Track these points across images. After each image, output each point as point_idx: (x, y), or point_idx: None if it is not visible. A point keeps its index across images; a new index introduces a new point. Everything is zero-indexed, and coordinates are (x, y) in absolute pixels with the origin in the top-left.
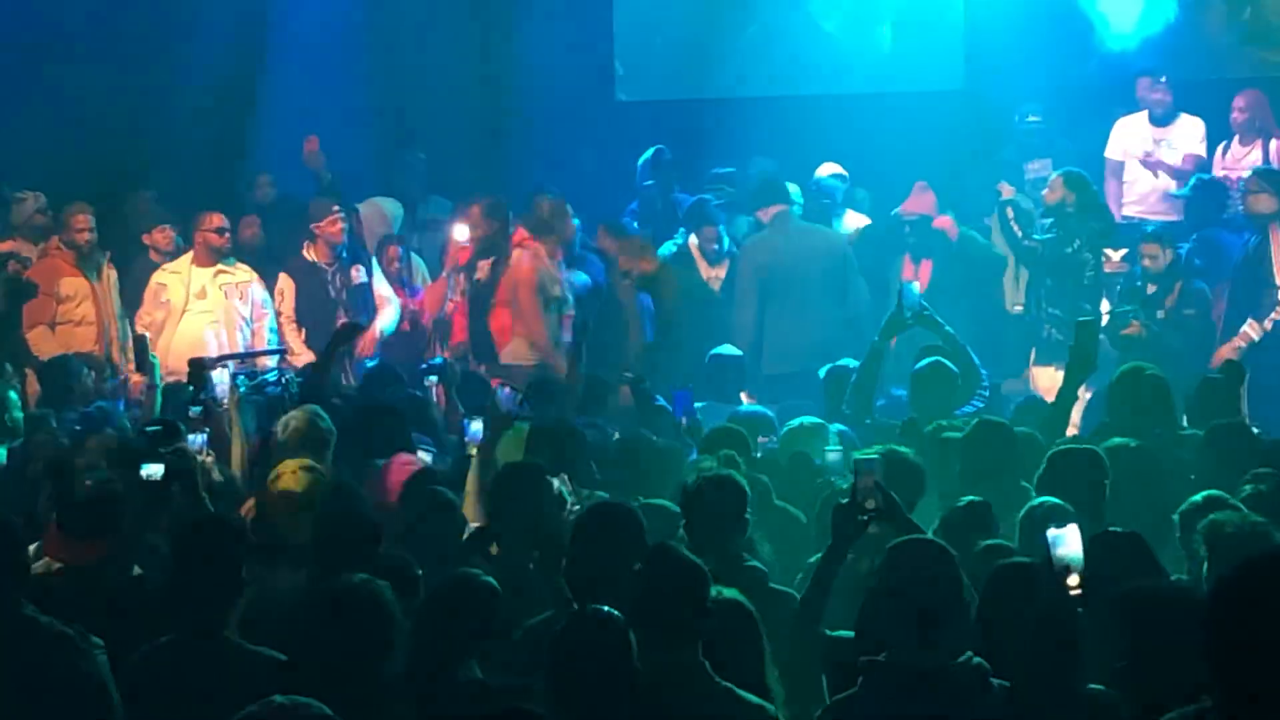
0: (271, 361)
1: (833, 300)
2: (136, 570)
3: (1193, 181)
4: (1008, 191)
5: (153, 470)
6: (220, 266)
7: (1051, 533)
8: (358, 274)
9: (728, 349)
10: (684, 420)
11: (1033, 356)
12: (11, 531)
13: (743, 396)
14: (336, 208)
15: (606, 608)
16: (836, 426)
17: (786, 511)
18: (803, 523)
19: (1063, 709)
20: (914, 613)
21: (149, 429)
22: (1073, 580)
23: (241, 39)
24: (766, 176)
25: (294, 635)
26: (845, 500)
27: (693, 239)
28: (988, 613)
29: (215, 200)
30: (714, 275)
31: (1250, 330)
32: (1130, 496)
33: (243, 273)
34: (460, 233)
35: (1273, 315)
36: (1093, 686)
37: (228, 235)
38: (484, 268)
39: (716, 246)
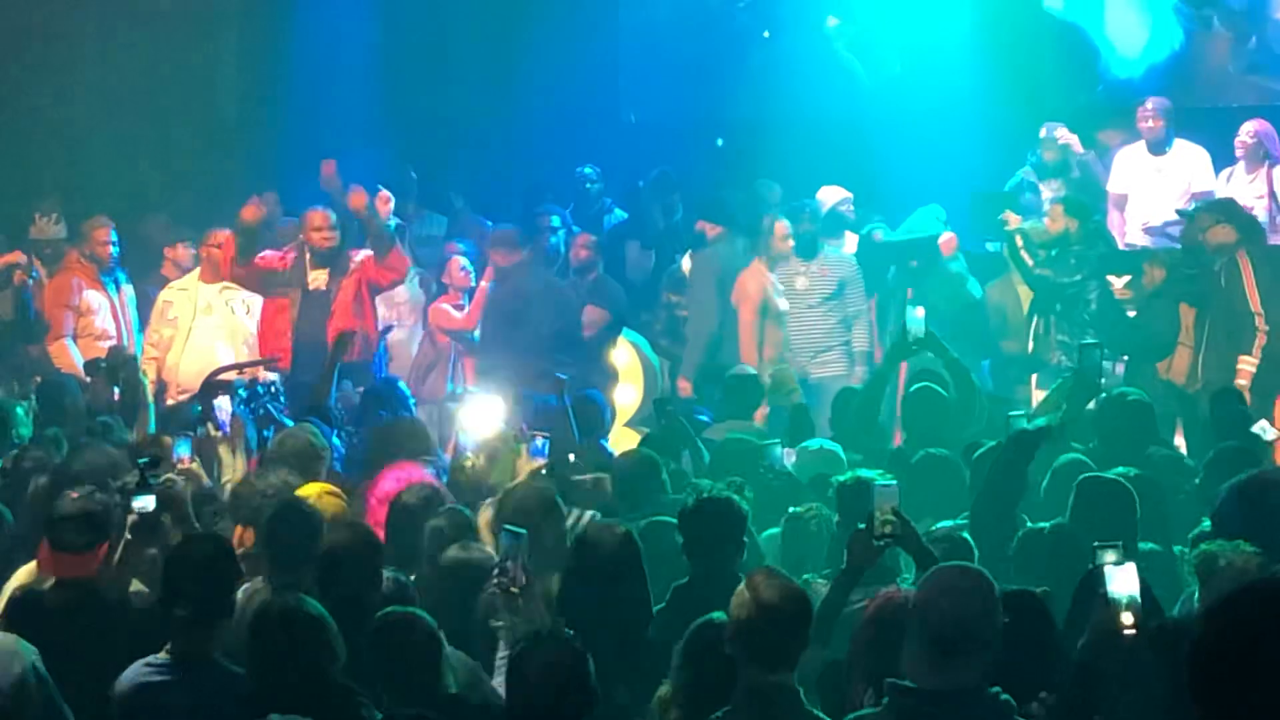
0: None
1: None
2: (136, 586)
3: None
4: (1014, 221)
5: (144, 502)
6: (226, 283)
7: (1107, 569)
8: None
9: (746, 368)
10: None
11: (1034, 381)
12: None
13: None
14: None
15: (568, 630)
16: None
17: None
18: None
19: None
20: (932, 636)
21: (140, 461)
22: (1127, 619)
23: (257, 62)
24: (713, 195)
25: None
26: (863, 526)
27: (685, 260)
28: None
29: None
30: None
31: (1247, 365)
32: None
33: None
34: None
35: (1258, 343)
36: None
37: (224, 250)
38: (321, 278)
39: None
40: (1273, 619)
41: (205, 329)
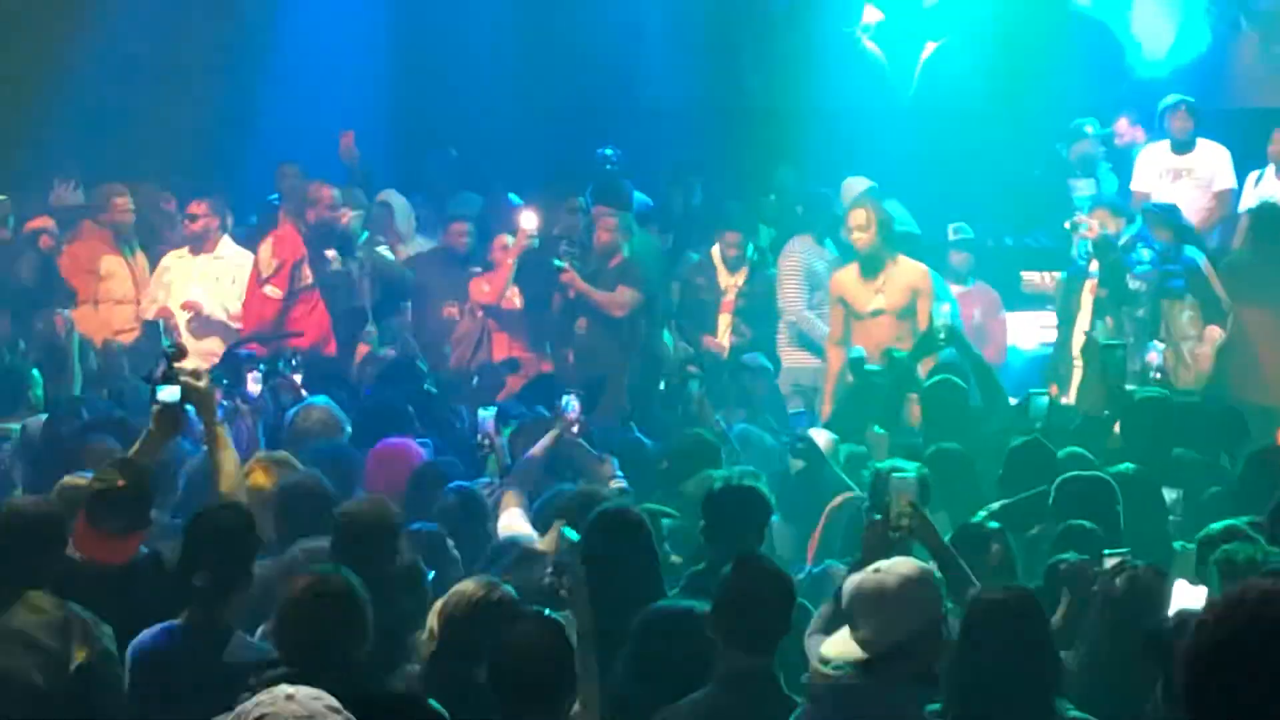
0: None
1: None
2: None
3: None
4: (1095, 228)
5: (169, 393)
6: (217, 252)
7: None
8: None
9: (758, 357)
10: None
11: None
12: (59, 523)
13: None
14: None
15: (547, 610)
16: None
17: None
18: None
19: None
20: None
21: (167, 350)
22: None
23: (274, 35)
24: (607, 182)
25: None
26: (879, 517)
27: (716, 247)
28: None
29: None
30: (732, 283)
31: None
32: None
33: (240, 256)
34: (528, 220)
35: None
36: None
37: (200, 221)
38: (334, 258)
39: (737, 252)
40: (1270, 621)
41: (193, 295)
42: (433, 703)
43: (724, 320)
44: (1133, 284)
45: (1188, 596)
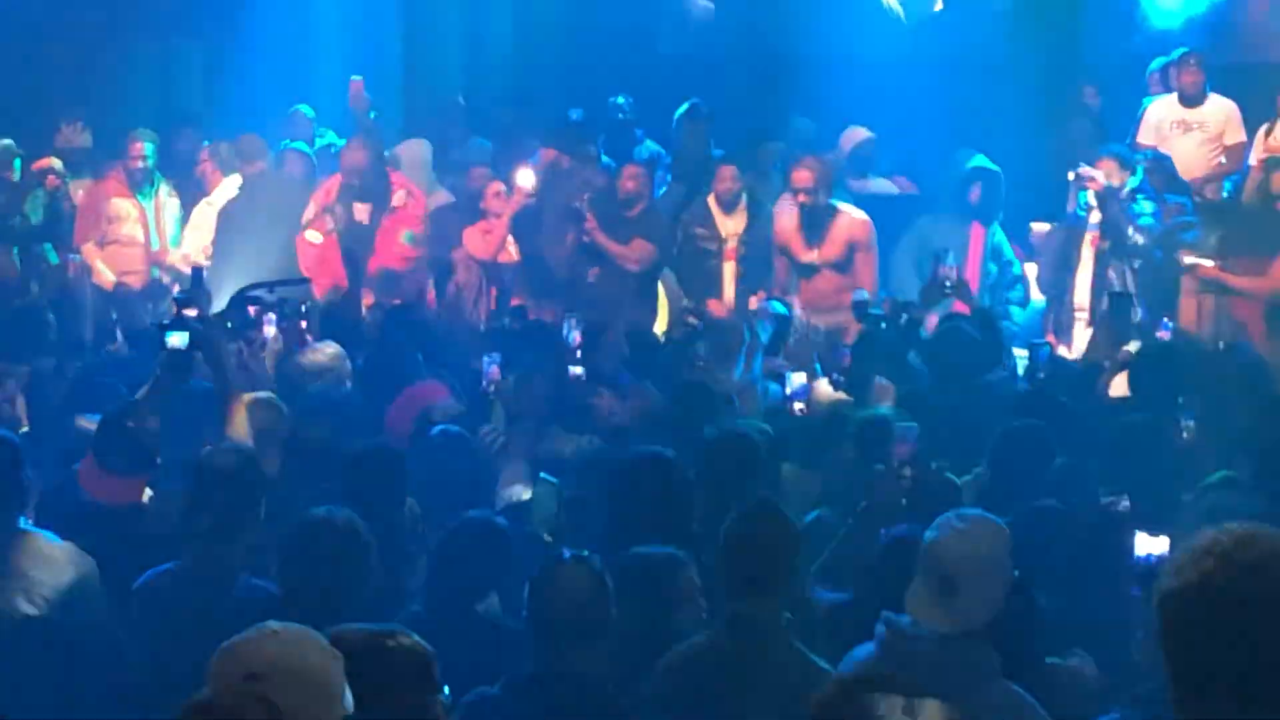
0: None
1: None
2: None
3: None
4: (1101, 180)
5: (178, 339)
6: (211, 197)
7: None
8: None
9: (777, 305)
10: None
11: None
12: (12, 448)
13: None
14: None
15: (586, 551)
16: None
17: None
18: None
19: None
20: (940, 574)
21: (178, 297)
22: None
23: None
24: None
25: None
26: (882, 466)
27: (711, 194)
28: None
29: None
30: (733, 231)
31: None
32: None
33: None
34: (525, 178)
35: None
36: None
37: (200, 165)
38: (362, 211)
39: (730, 186)
40: (1242, 565)
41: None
42: (418, 639)
43: (728, 269)
44: (1134, 236)
45: (1149, 543)
